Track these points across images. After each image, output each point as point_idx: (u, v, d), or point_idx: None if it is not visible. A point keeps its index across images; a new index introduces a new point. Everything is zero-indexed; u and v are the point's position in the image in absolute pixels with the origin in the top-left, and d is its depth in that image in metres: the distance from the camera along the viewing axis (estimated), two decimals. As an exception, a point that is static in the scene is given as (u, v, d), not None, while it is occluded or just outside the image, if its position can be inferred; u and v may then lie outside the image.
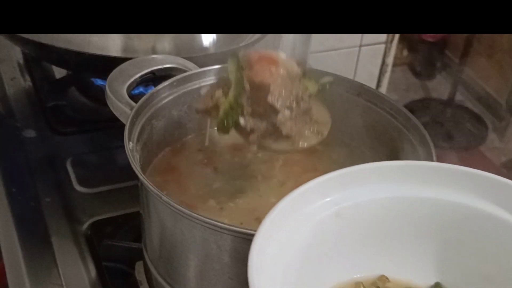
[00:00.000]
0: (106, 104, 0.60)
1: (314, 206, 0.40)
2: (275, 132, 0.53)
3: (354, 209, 0.41)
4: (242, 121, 0.52)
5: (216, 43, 0.84)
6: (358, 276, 0.42)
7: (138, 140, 0.55)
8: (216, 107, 0.53)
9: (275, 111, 0.52)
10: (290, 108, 0.52)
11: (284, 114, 0.52)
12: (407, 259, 0.43)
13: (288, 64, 0.53)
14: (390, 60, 1.30)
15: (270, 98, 0.51)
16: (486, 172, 0.41)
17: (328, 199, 0.41)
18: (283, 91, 0.51)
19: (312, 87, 0.55)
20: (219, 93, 0.53)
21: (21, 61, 0.94)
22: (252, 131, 0.52)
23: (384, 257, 0.43)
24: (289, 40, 0.60)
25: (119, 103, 0.58)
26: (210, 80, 0.63)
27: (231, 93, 0.52)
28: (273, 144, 0.54)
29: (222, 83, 0.54)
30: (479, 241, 0.41)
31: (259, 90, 0.51)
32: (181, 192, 0.59)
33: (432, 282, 0.42)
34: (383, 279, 0.42)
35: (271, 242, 0.37)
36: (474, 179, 0.41)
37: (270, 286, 0.35)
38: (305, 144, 0.55)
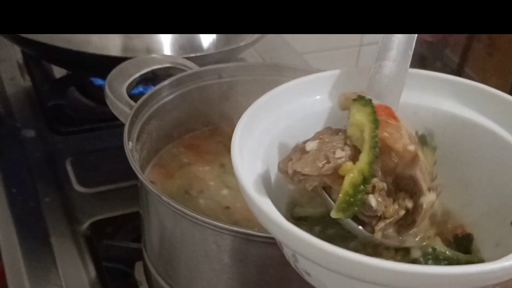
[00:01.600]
0: (105, 104, 0.60)
1: (300, 102, 0.41)
2: (404, 221, 0.37)
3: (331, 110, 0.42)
4: (373, 201, 0.35)
5: (216, 43, 0.84)
6: None
7: (137, 140, 0.55)
8: (336, 175, 0.36)
9: (419, 192, 0.37)
10: (433, 189, 0.38)
11: (428, 198, 0.37)
12: None
13: (407, 126, 0.39)
14: (390, 60, 1.30)
15: (417, 174, 0.36)
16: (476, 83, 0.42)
17: (318, 97, 0.42)
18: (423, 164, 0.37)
19: (431, 157, 0.41)
20: (340, 153, 0.36)
21: (21, 61, 0.94)
22: (382, 217, 0.36)
23: None
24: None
25: (119, 103, 0.58)
26: (210, 80, 0.63)
27: (365, 158, 0.35)
28: (397, 238, 0.38)
29: (339, 136, 0.37)
30: (458, 146, 0.42)
31: (392, 159, 0.36)
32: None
33: None
34: None
35: (257, 124, 0.38)
36: (465, 88, 0.42)
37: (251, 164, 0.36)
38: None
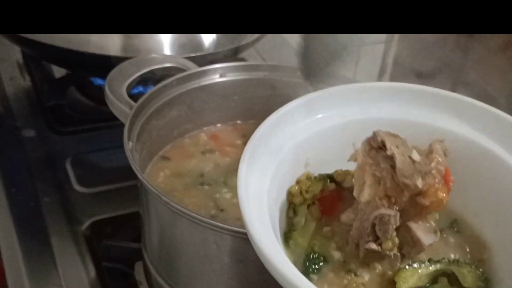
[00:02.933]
0: (105, 104, 0.60)
1: (319, 116, 0.40)
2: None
3: (360, 124, 0.41)
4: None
5: (216, 43, 0.84)
6: None
7: (137, 140, 0.55)
8: None
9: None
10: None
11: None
12: None
13: None
14: (390, 60, 1.30)
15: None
16: (470, 99, 0.41)
17: (337, 111, 0.41)
18: None
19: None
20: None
21: (21, 61, 0.94)
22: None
23: None
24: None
25: (119, 103, 0.58)
26: (210, 80, 0.63)
27: None
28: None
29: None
30: (465, 169, 0.41)
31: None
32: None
33: None
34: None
35: (260, 152, 0.37)
36: (481, 113, 0.41)
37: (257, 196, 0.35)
38: None
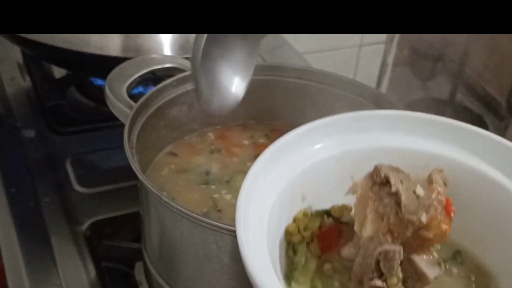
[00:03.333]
0: (105, 104, 0.60)
1: (314, 148, 0.39)
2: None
3: (355, 154, 0.40)
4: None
5: (216, 43, 0.84)
6: None
7: (137, 140, 0.55)
8: None
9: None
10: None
11: None
12: None
13: None
14: (390, 60, 1.30)
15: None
16: (472, 126, 0.41)
17: (331, 142, 0.40)
18: None
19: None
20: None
21: (21, 61, 0.94)
22: None
23: None
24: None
25: (119, 103, 0.58)
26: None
27: None
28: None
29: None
30: (473, 200, 0.41)
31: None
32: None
33: None
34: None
35: (258, 187, 0.36)
36: (481, 139, 0.41)
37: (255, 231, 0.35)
38: None
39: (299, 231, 0.40)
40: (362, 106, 0.61)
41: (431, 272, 0.37)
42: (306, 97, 0.63)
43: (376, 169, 0.36)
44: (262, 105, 0.66)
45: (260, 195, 0.36)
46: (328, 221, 0.40)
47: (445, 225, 0.36)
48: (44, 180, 0.73)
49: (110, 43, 0.76)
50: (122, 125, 0.54)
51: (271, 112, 0.66)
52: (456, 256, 0.42)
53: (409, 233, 0.35)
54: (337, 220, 0.40)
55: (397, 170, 0.36)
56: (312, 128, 0.40)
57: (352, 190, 0.37)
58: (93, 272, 0.62)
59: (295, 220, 0.40)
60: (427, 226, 0.36)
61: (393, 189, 0.35)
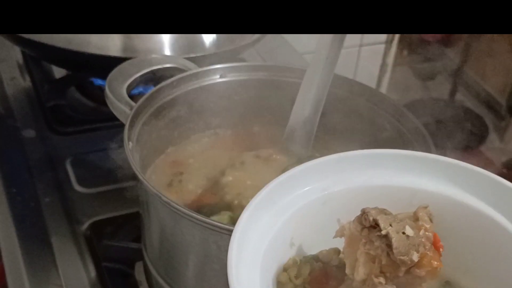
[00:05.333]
0: (105, 104, 0.60)
1: (298, 193, 0.40)
2: None
3: (339, 195, 0.40)
4: None
5: (216, 43, 0.84)
6: None
7: (138, 140, 0.55)
8: None
9: None
10: None
11: None
12: None
13: None
14: (390, 60, 1.30)
15: None
16: (475, 167, 0.41)
17: (315, 185, 0.40)
18: None
19: None
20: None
21: (21, 61, 0.94)
22: None
23: None
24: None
25: (119, 103, 0.58)
26: (211, 80, 0.63)
27: None
28: None
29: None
30: (456, 231, 0.41)
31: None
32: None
33: None
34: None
35: (250, 233, 0.36)
36: (462, 172, 0.41)
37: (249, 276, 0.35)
38: None
39: (290, 280, 0.40)
40: (362, 106, 0.61)
41: None
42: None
43: (364, 213, 0.36)
44: (262, 105, 0.66)
45: (251, 245, 0.37)
46: (318, 266, 0.41)
47: (435, 262, 0.36)
48: (44, 180, 0.73)
49: (110, 43, 0.76)
50: (122, 125, 0.54)
51: (271, 112, 0.66)
52: (446, 287, 0.42)
53: (401, 273, 0.36)
54: (327, 264, 0.41)
55: (384, 212, 0.37)
56: (292, 175, 0.40)
57: (339, 234, 0.38)
58: (93, 272, 0.62)
59: (285, 269, 0.40)
60: (418, 264, 0.36)
61: (383, 232, 0.35)
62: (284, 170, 0.44)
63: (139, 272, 0.62)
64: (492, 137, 1.63)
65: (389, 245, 0.35)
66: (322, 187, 0.40)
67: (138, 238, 0.60)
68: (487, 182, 0.40)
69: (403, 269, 0.35)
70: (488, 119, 1.64)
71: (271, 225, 0.38)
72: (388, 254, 0.35)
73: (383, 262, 0.35)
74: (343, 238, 0.38)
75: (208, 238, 0.48)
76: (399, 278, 0.36)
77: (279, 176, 0.39)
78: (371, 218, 0.36)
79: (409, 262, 0.35)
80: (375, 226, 0.36)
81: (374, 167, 0.41)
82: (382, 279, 0.36)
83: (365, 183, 0.41)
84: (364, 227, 0.36)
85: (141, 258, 0.60)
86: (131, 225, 0.66)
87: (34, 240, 0.65)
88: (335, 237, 0.38)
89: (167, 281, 0.55)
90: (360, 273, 0.36)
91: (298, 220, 0.39)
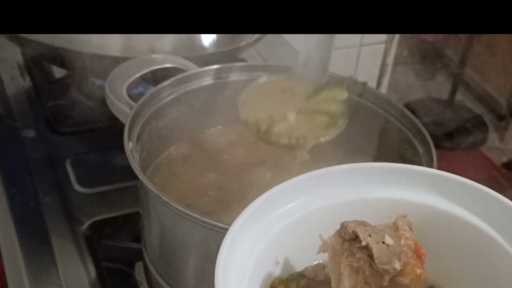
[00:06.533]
0: (105, 104, 0.60)
1: (280, 211, 0.40)
2: None
3: (320, 212, 0.41)
4: None
5: (216, 43, 0.84)
6: None
7: (137, 140, 0.55)
8: None
9: None
10: None
11: None
12: None
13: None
14: (390, 60, 1.30)
15: None
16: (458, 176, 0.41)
17: (296, 203, 0.41)
18: None
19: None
20: None
21: (21, 61, 0.94)
22: None
23: None
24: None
25: (119, 103, 0.58)
26: (210, 80, 0.63)
27: None
28: None
29: None
30: (439, 239, 0.41)
31: None
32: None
33: None
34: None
35: (236, 254, 0.37)
36: (441, 181, 0.41)
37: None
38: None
39: None
40: (362, 106, 0.61)
41: None
42: (306, 97, 0.63)
43: (343, 227, 0.37)
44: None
45: (237, 267, 0.37)
46: (304, 282, 0.41)
47: (418, 269, 0.37)
48: (44, 180, 0.73)
49: (110, 43, 0.76)
50: (122, 125, 0.54)
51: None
52: None
53: (385, 282, 0.36)
54: (313, 280, 0.41)
55: (363, 224, 0.37)
56: (275, 193, 0.40)
57: (322, 249, 0.39)
58: (93, 272, 0.62)
59: (272, 287, 0.41)
60: (401, 273, 0.36)
61: (363, 243, 0.36)
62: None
63: (139, 272, 0.62)
64: (492, 137, 1.63)
65: (371, 256, 0.36)
66: (303, 204, 0.41)
67: (138, 238, 0.60)
68: (466, 189, 0.41)
69: (387, 278, 0.36)
70: (488, 119, 1.64)
71: (255, 246, 0.39)
72: (370, 265, 0.36)
73: (367, 273, 0.36)
74: (326, 253, 0.38)
75: (208, 238, 0.48)
76: (384, 287, 0.36)
77: (260, 196, 0.39)
78: (350, 231, 0.36)
79: (392, 271, 0.36)
80: (355, 238, 0.36)
81: (354, 181, 0.42)
82: None
83: (345, 198, 0.41)
84: (344, 240, 0.37)
85: (141, 258, 0.60)
86: (131, 225, 0.66)
87: (34, 240, 0.65)
88: (318, 252, 0.38)
89: (167, 281, 0.55)
90: (346, 286, 0.37)
91: (281, 239, 0.40)
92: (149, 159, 0.61)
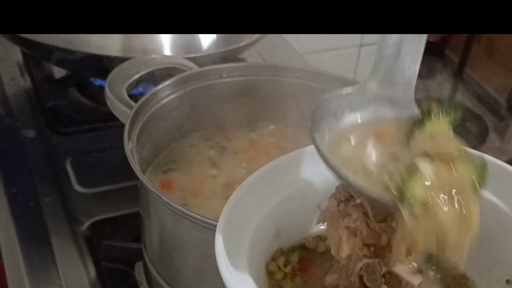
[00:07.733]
0: (105, 104, 0.60)
1: (279, 183, 0.40)
2: None
3: (319, 187, 0.41)
4: None
5: (216, 43, 0.84)
6: None
7: (138, 140, 0.55)
8: None
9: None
10: None
11: None
12: None
13: None
14: (390, 60, 1.30)
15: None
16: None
17: (294, 175, 0.41)
18: None
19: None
20: None
21: (21, 61, 0.94)
22: None
23: None
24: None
25: (119, 103, 0.58)
26: (210, 80, 0.63)
27: None
28: None
29: None
30: None
31: None
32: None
33: None
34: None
35: (235, 224, 0.37)
36: None
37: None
38: None
39: (279, 268, 0.41)
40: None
41: (414, 279, 0.38)
42: (306, 97, 0.63)
43: (338, 188, 0.37)
44: (262, 105, 0.66)
45: (236, 239, 0.37)
46: (305, 253, 0.41)
47: None
48: (44, 180, 0.73)
49: (110, 43, 0.76)
50: (122, 125, 0.54)
51: (271, 112, 0.66)
52: (430, 259, 0.43)
53: (383, 242, 0.36)
54: (314, 251, 0.41)
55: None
56: (273, 167, 0.40)
57: (321, 220, 0.39)
58: (93, 272, 0.62)
59: (273, 258, 0.41)
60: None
61: (358, 201, 0.36)
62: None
63: (139, 272, 0.62)
64: (492, 137, 1.63)
65: (366, 213, 0.36)
66: (302, 178, 0.41)
67: (138, 238, 0.60)
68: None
69: (384, 237, 0.36)
70: (488, 119, 1.64)
71: (254, 218, 0.39)
72: (367, 224, 0.36)
73: (364, 233, 0.36)
74: (325, 224, 0.39)
75: (208, 238, 0.48)
76: (383, 252, 0.36)
77: (259, 169, 0.39)
78: (345, 191, 0.37)
79: (389, 229, 0.36)
80: (350, 198, 0.37)
81: None
82: (366, 251, 0.36)
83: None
84: (340, 201, 0.37)
85: (141, 258, 0.60)
86: (131, 225, 0.66)
87: (34, 240, 0.65)
88: (317, 223, 0.39)
89: (167, 281, 0.55)
90: (344, 249, 0.37)
91: (281, 212, 0.40)
92: (149, 159, 0.61)
